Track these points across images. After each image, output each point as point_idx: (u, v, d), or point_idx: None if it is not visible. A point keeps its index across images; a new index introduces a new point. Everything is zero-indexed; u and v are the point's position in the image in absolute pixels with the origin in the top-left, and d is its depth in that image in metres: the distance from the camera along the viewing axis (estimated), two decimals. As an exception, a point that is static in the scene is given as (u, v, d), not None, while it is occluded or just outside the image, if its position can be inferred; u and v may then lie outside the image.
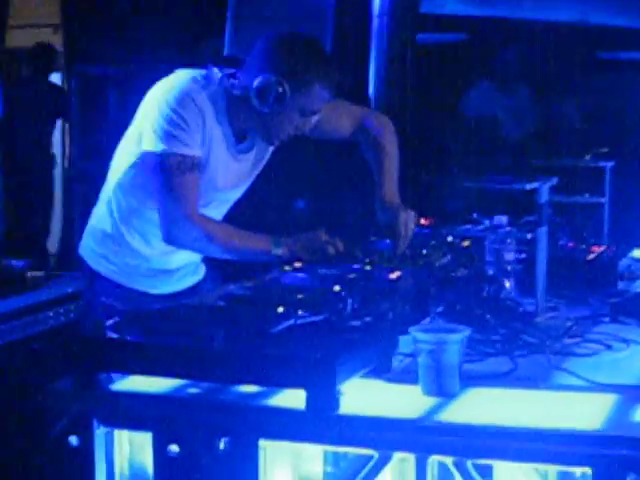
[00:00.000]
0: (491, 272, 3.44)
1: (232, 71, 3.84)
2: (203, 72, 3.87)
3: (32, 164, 7.58)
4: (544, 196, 3.47)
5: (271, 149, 4.12)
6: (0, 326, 4.50)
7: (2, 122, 6.17)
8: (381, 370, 2.78)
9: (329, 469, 2.94)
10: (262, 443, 2.55)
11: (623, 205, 4.56)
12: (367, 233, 3.72)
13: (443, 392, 2.60)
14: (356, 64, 7.53)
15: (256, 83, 3.69)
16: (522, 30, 11.86)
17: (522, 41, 11.63)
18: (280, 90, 3.66)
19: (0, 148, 6.10)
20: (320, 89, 3.77)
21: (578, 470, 2.41)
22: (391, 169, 4.09)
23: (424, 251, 3.54)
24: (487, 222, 3.56)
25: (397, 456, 2.51)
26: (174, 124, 3.69)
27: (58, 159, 8.28)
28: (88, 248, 4.14)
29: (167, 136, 3.70)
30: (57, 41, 8.76)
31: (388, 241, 3.68)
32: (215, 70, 3.85)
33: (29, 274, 4.96)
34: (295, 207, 6.73)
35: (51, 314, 4.79)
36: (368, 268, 3.34)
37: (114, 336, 2.83)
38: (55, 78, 8.80)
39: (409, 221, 3.67)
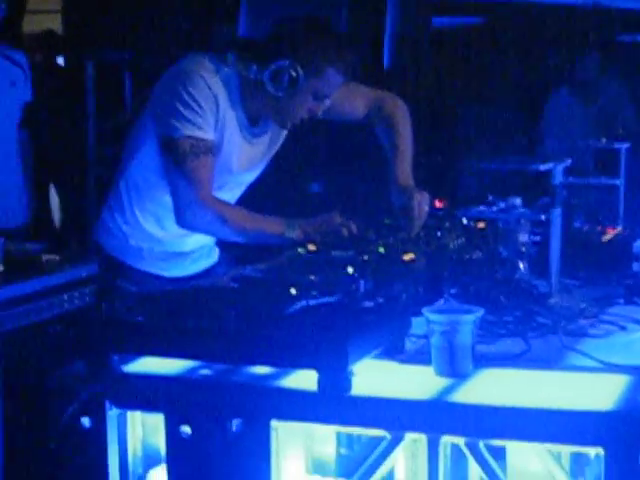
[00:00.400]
0: (505, 254, 3.43)
1: (246, 55, 3.84)
2: (216, 56, 3.88)
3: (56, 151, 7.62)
4: (558, 177, 3.47)
5: (285, 132, 4.13)
6: (15, 309, 4.51)
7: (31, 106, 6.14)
8: (394, 351, 2.78)
9: (342, 451, 2.94)
10: (274, 424, 2.55)
11: (638, 187, 4.54)
12: (381, 216, 3.70)
13: (456, 373, 2.60)
14: (371, 45, 7.51)
15: (270, 67, 3.71)
16: (537, 12, 11.84)
17: (537, 24, 11.61)
18: (294, 74, 3.69)
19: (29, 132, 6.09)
20: (333, 73, 3.80)
21: (592, 451, 2.40)
22: (405, 150, 4.09)
23: (438, 233, 3.52)
24: (501, 204, 3.55)
25: (409, 437, 2.51)
26: (188, 107, 3.71)
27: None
28: (103, 232, 4.16)
29: (181, 119, 3.72)
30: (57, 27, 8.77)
31: (402, 223, 3.68)
32: (229, 54, 3.85)
33: (44, 257, 4.97)
34: (309, 190, 6.73)
35: (66, 297, 4.79)
36: (381, 250, 3.33)
37: (127, 318, 2.83)
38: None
39: (423, 203, 3.67)
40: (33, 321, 4.57)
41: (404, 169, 4.04)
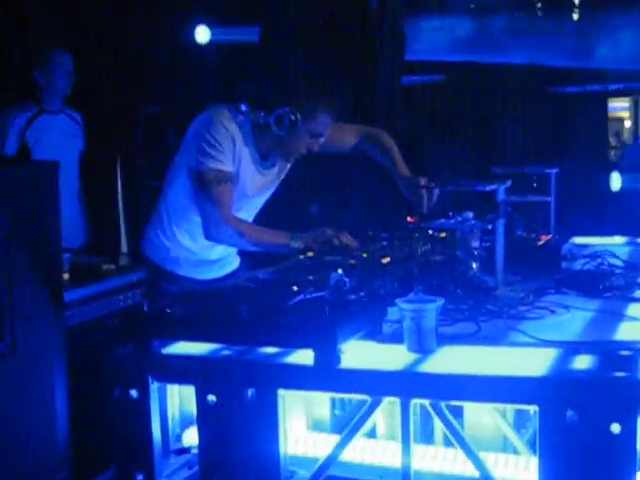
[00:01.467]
0: (461, 256, 3.42)
1: (255, 104, 3.88)
2: (232, 106, 3.92)
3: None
4: (501, 195, 3.46)
5: (289, 165, 4.15)
6: (82, 307, 4.52)
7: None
8: (373, 333, 2.76)
9: (335, 412, 2.93)
10: (280, 392, 2.53)
11: (565, 203, 4.56)
12: (364, 229, 3.71)
13: (423, 349, 2.58)
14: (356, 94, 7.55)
15: (274, 114, 3.76)
16: (486, 70, 11.90)
17: (487, 80, 11.67)
18: (293, 118, 3.74)
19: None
20: (324, 116, 3.86)
21: (530, 408, 2.38)
22: (398, 156, 4.20)
23: (410, 241, 3.53)
24: (458, 217, 3.55)
25: (386, 400, 2.49)
26: (211, 146, 3.76)
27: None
28: (150, 245, 4.18)
29: (206, 156, 3.77)
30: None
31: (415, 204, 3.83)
32: (242, 104, 3.88)
33: (104, 267, 4.98)
34: (309, 210, 6.77)
35: (121, 297, 4.82)
36: (364, 255, 3.33)
37: (166, 312, 2.85)
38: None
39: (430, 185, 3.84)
40: (95, 316, 4.58)
41: (403, 166, 4.15)
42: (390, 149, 4.20)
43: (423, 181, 3.86)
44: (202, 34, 8.94)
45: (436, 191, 3.81)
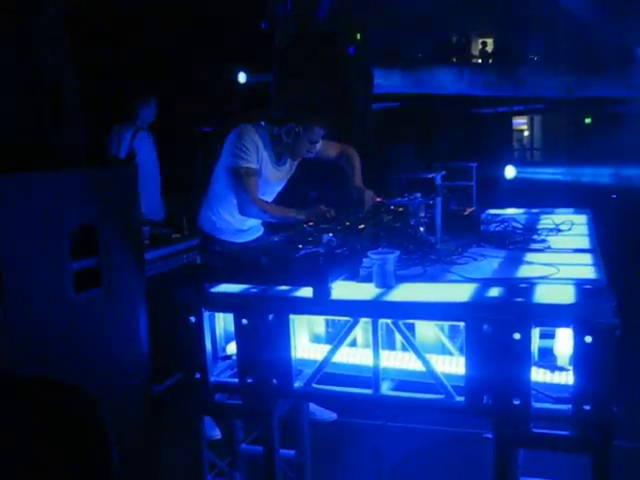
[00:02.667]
0: (413, 223, 3.40)
1: (271, 122, 3.95)
2: (256, 124, 3.95)
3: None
4: (438, 181, 3.46)
5: (296, 163, 4.16)
6: (157, 263, 4.55)
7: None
8: (353, 276, 2.75)
9: (329, 330, 2.92)
10: (291, 317, 2.51)
11: (482, 186, 4.56)
12: (347, 206, 3.70)
13: (386, 285, 2.56)
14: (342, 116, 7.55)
15: (284, 129, 3.83)
16: (432, 99, 11.88)
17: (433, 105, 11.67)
18: (297, 130, 3.76)
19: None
20: (317, 129, 3.89)
21: (460, 323, 2.36)
22: (358, 170, 4.18)
23: (377, 213, 3.51)
24: (410, 197, 3.54)
25: (362, 320, 2.48)
26: (242, 151, 3.81)
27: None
28: (202, 221, 4.20)
29: (238, 158, 3.80)
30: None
31: (358, 208, 3.72)
32: (263, 122, 3.95)
33: (173, 236, 5.00)
34: (310, 195, 6.80)
35: (184, 256, 4.85)
36: (347, 224, 3.31)
37: (214, 263, 2.86)
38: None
39: (370, 195, 3.76)
40: (166, 269, 4.59)
41: (359, 179, 4.13)
42: (354, 165, 4.20)
43: (367, 192, 3.85)
44: (241, 77, 9.08)
45: (371, 198, 3.80)
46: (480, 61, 15.96)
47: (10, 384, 1.66)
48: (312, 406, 4.04)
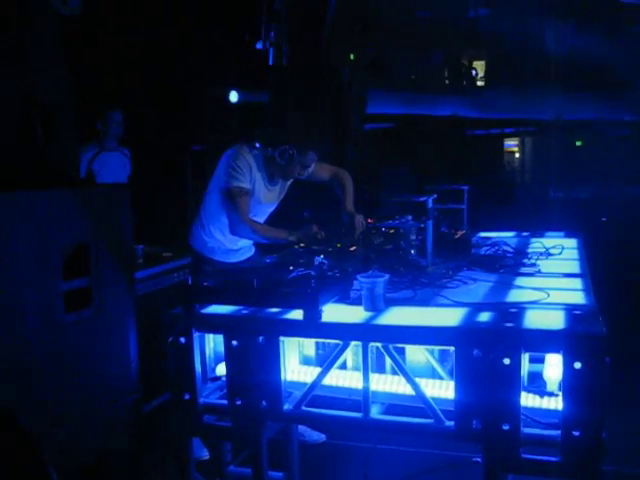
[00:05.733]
0: (404, 245, 3.40)
1: (265, 143, 3.90)
2: (250, 145, 3.92)
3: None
4: (430, 204, 3.45)
5: (288, 184, 4.14)
6: (147, 282, 4.51)
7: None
8: (344, 298, 2.74)
9: (319, 352, 2.91)
10: (282, 338, 2.52)
11: (473, 209, 4.56)
12: (338, 228, 3.70)
13: (376, 309, 2.56)
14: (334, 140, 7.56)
15: (278, 150, 3.78)
16: (422, 119, 11.95)
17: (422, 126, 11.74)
18: (291, 153, 3.74)
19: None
20: (312, 154, 3.89)
21: (450, 348, 2.37)
22: (350, 194, 4.13)
23: (369, 236, 3.51)
24: (402, 219, 3.55)
25: (353, 343, 2.48)
26: (235, 171, 3.79)
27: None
28: (193, 239, 4.16)
29: (231, 178, 3.78)
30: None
31: (349, 231, 3.68)
32: (257, 143, 3.92)
33: (164, 254, 4.98)
34: (302, 215, 6.80)
35: (174, 275, 4.81)
36: (339, 245, 3.32)
37: (204, 284, 2.83)
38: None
39: (361, 220, 3.71)
40: (157, 288, 4.57)
41: (350, 203, 4.07)
42: (346, 188, 4.14)
43: (358, 217, 3.77)
44: (233, 96, 9.09)
45: (362, 223, 3.73)
46: (472, 83, 16.13)
47: None
48: (301, 427, 4.02)
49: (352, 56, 9.30)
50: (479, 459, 2.40)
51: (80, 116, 3.39)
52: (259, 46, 8.50)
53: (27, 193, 2.84)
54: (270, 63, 8.25)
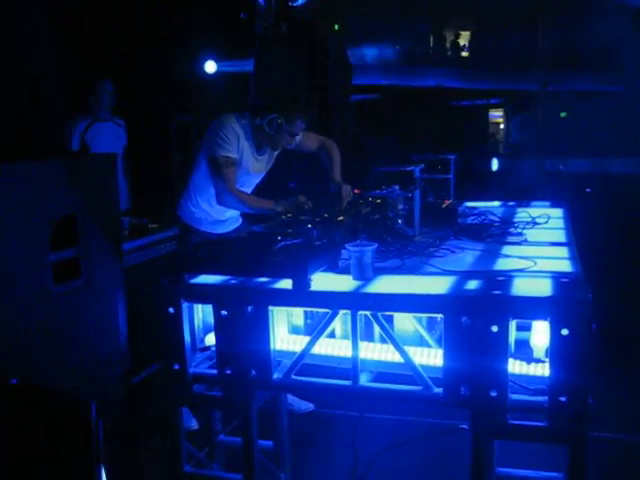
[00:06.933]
0: (391, 215, 3.40)
1: (254, 112, 3.92)
2: (238, 113, 3.93)
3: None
4: (417, 174, 3.46)
5: (275, 154, 4.14)
6: (134, 254, 4.51)
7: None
8: (332, 267, 2.74)
9: (308, 321, 2.92)
10: (270, 308, 2.51)
11: (459, 179, 4.58)
12: (325, 198, 3.70)
13: (364, 278, 2.56)
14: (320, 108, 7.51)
15: (266, 119, 3.82)
16: (407, 90, 11.92)
17: (408, 97, 11.71)
18: (279, 122, 3.76)
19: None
20: (300, 122, 3.89)
21: (438, 315, 2.38)
22: (337, 164, 4.13)
23: (356, 205, 3.51)
24: (389, 189, 3.55)
25: (341, 312, 2.48)
26: (222, 141, 3.80)
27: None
28: (181, 210, 4.16)
29: (219, 147, 3.79)
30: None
31: (335, 202, 3.67)
32: (245, 112, 3.94)
33: (150, 226, 4.97)
34: (289, 186, 6.79)
35: (162, 246, 4.82)
36: (326, 215, 3.31)
37: (192, 254, 2.82)
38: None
39: (347, 190, 3.70)
40: (144, 259, 4.57)
41: (337, 173, 4.07)
42: (333, 158, 4.14)
43: (345, 187, 3.79)
44: (210, 67, 9.09)
45: (349, 193, 3.75)
46: (457, 54, 16.08)
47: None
48: (289, 397, 4.05)
49: (336, 26, 9.23)
50: (466, 426, 2.43)
51: (68, 87, 3.37)
52: (243, 15, 8.42)
53: (14, 165, 2.83)
54: (255, 31, 8.17)
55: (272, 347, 2.54)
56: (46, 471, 1.64)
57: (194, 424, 3.91)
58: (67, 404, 1.67)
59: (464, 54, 14.81)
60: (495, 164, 9.82)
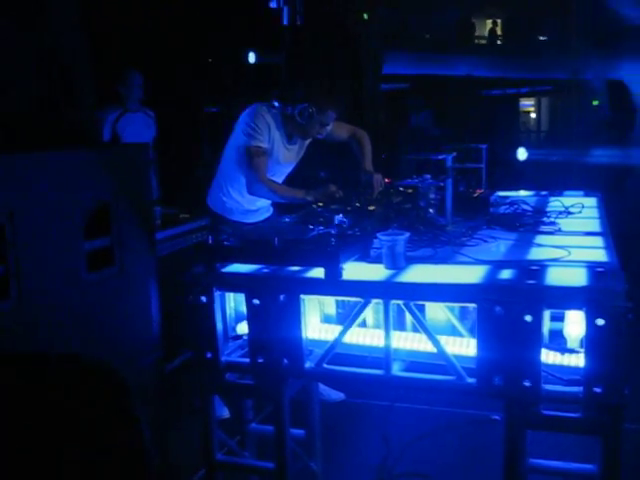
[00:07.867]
0: (423, 204, 3.39)
1: (285, 102, 3.90)
2: (269, 103, 3.92)
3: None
4: (449, 163, 3.44)
5: (306, 144, 4.15)
6: (166, 243, 4.54)
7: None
8: (364, 257, 2.73)
9: (339, 310, 2.92)
10: (302, 297, 2.51)
11: (491, 168, 4.54)
12: (357, 187, 3.69)
13: (396, 267, 2.55)
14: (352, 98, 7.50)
15: (298, 109, 3.80)
16: (438, 79, 11.84)
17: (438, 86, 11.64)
18: (310, 111, 3.75)
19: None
20: (331, 112, 3.89)
21: (470, 305, 2.37)
22: (368, 154, 4.14)
23: (387, 195, 3.50)
24: (420, 178, 3.53)
25: (374, 301, 2.48)
26: (253, 130, 3.79)
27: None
28: (212, 200, 4.17)
29: (250, 137, 3.79)
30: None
31: (367, 191, 3.66)
32: (275, 102, 3.92)
33: (181, 216, 5.00)
34: (319, 175, 6.80)
35: (193, 236, 4.84)
36: (358, 205, 3.31)
37: (224, 244, 2.80)
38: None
39: (379, 179, 3.68)
40: (177, 249, 4.59)
41: (368, 162, 4.09)
42: (364, 148, 4.15)
43: (376, 176, 3.71)
44: (251, 57, 9.08)
45: (380, 182, 3.68)
46: (489, 42, 15.95)
47: (44, 363, 1.69)
48: (321, 386, 4.06)
49: (365, 15, 9.20)
50: (497, 417, 2.41)
51: (100, 77, 3.39)
52: (273, 5, 8.41)
53: (48, 153, 2.85)
54: (284, 22, 8.17)
55: (304, 336, 2.54)
56: (89, 436, 1.66)
57: (225, 413, 3.93)
58: (104, 371, 1.68)
59: (497, 42, 14.70)
60: (522, 154, 9.73)
